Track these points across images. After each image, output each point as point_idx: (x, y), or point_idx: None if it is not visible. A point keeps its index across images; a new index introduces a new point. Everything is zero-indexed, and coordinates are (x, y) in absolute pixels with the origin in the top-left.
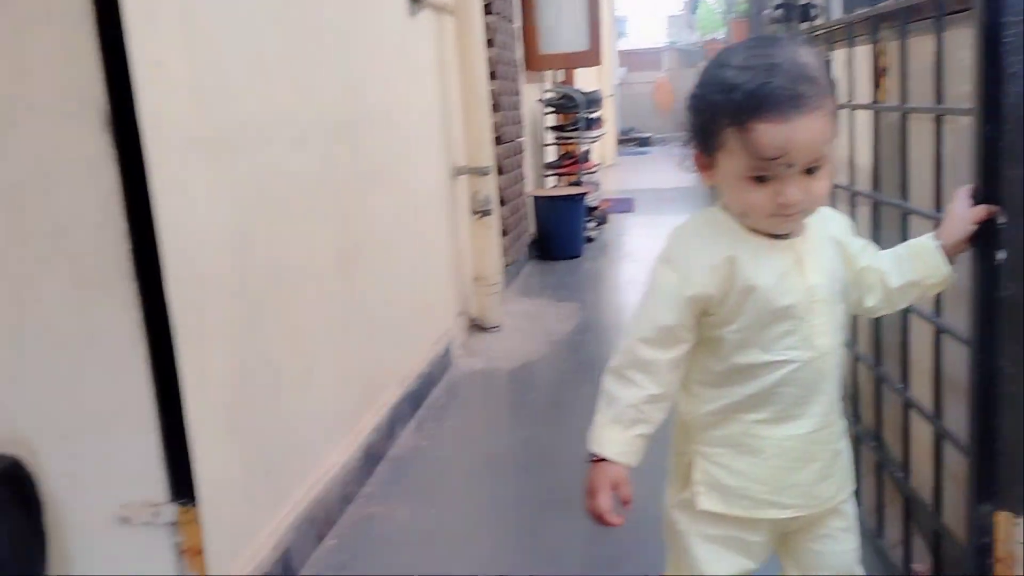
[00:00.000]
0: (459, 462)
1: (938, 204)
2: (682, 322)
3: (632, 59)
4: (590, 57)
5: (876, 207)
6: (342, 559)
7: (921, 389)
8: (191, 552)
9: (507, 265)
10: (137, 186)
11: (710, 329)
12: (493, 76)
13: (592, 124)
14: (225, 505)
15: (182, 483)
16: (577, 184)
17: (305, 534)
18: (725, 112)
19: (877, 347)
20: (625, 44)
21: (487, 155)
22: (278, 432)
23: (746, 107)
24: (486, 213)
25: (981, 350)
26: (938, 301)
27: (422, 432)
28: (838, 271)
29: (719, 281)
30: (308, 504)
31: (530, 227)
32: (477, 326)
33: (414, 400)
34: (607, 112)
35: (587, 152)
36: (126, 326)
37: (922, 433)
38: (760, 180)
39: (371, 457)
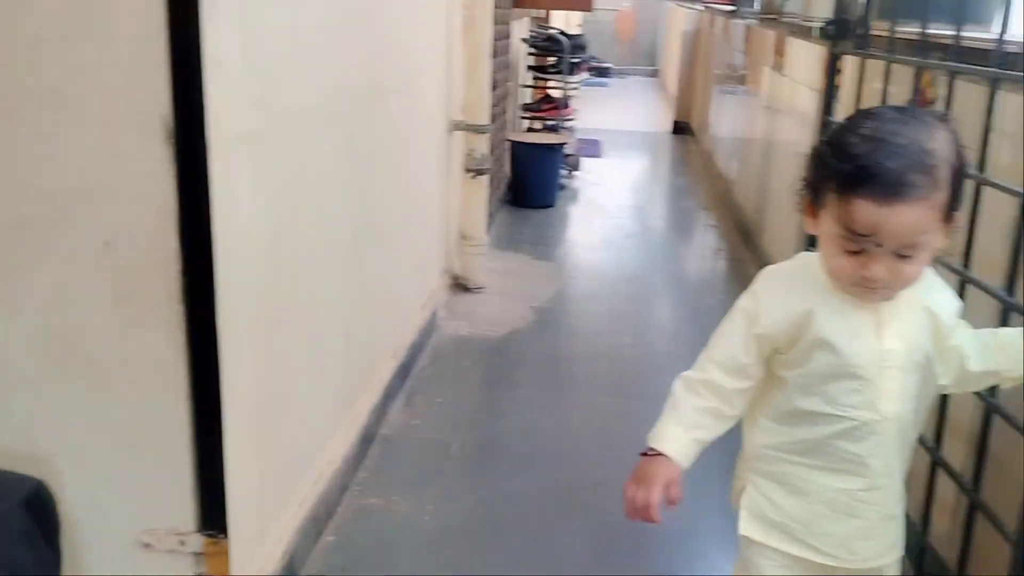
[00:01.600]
0: (454, 447)
1: (1010, 285)
2: (751, 359)
3: None
4: (581, 2)
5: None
6: (340, 560)
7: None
8: None
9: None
10: (196, 200)
11: (778, 367)
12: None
13: (574, 69)
14: (246, 525)
15: (212, 512)
16: (554, 130)
17: (307, 533)
18: (834, 176)
19: None
20: None
21: (485, 111)
22: (290, 433)
23: (852, 180)
24: (480, 172)
25: None
26: None
27: (412, 408)
28: (922, 342)
29: (789, 328)
30: (313, 502)
31: (506, 170)
32: (460, 286)
33: (403, 371)
34: None
35: (568, 98)
36: (168, 348)
37: (947, 493)
38: (851, 251)
39: (366, 440)
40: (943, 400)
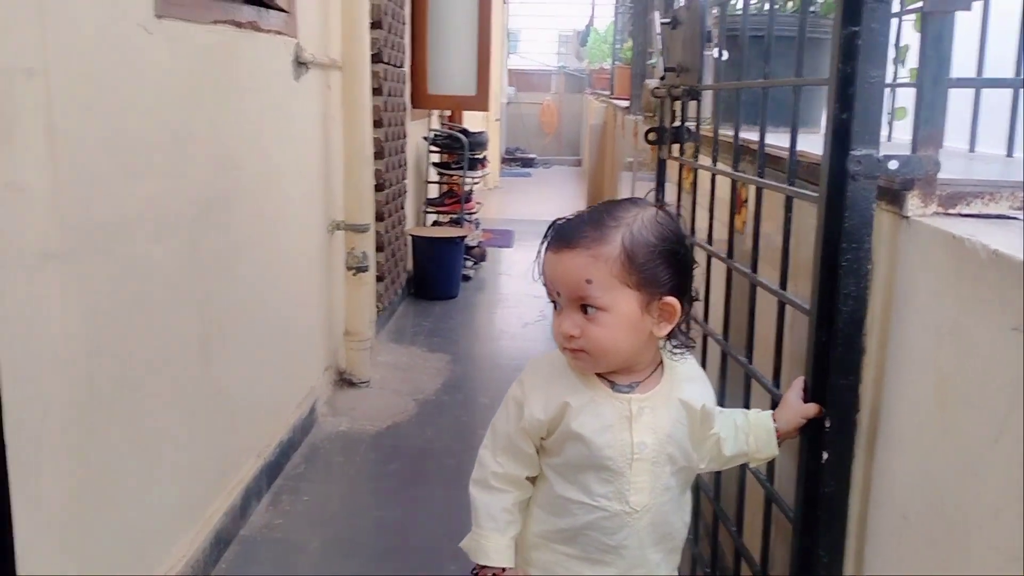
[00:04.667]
0: (311, 546)
1: (777, 376)
2: (531, 449)
3: (521, 79)
4: (477, 102)
5: (724, 356)
6: None
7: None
8: None
9: (381, 310)
10: None
11: (541, 455)
12: (379, 124)
13: (475, 165)
14: None
15: None
16: (457, 223)
17: None
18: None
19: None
20: (517, 62)
21: (367, 212)
22: (118, 539)
23: (544, 238)
24: (361, 270)
25: (802, 535)
26: None
27: (277, 508)
28: (677, 435)
29: (549, 420)
30: None
31: (408, 263)
32: (346, 380)
33: (272, 470)
34: (492, 136)
35: (469, 192)
36: None
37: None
38: (556, 309)
39: (221, 542)
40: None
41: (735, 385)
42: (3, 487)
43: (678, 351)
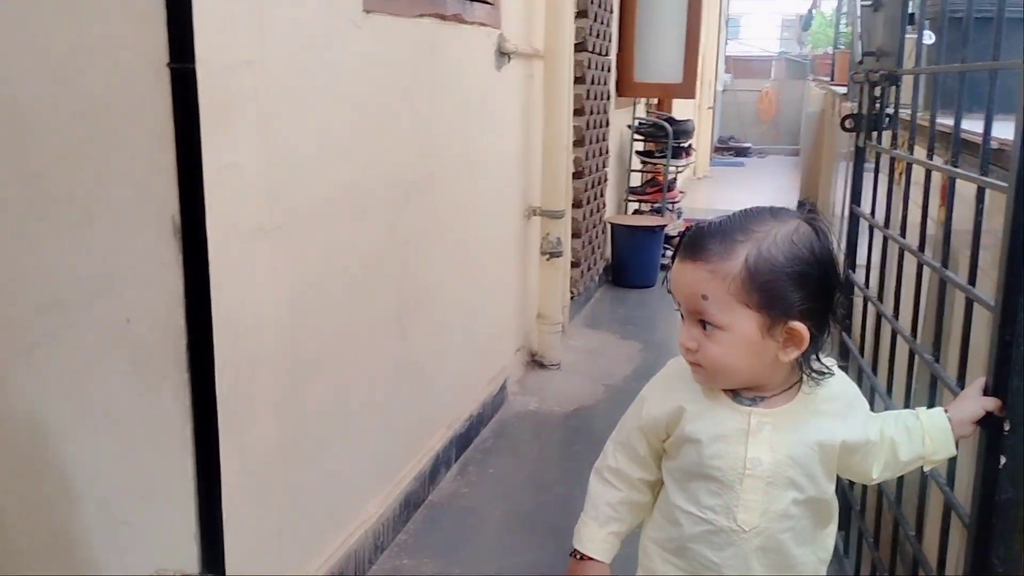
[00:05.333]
0: (493, 516)
1: (962, 377)
2: (645, 451)
3: (739, 66)
4: (684, 89)
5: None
6: None
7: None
8: None
9: (575, 296)
10: (201, 286)
11: (663, 458)
12: (580, 112)
13: (679, 153)
14: (252, 569)
15: (214, 555)
16: (659, 212)
17: None
18: None
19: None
20: (736, 48)
21: (562, 198)
22: (316, 492)
23: (678, 243)
24: (555, 255)
25: (977, 543)
26: None
27: (464, 477)
28: (802, 459)
29: (666, 421)
30: (339, 558)
31: (607, 251)
32: (537, 362)
33: (462, 442)
34: (704, 124)
35: (673, 181)
36: (177, 411)
37: None
38: (682, 317)
39: (410, 504)
40: None
41: (921, 384)
42: (213, 438)
43: (814, 378)
